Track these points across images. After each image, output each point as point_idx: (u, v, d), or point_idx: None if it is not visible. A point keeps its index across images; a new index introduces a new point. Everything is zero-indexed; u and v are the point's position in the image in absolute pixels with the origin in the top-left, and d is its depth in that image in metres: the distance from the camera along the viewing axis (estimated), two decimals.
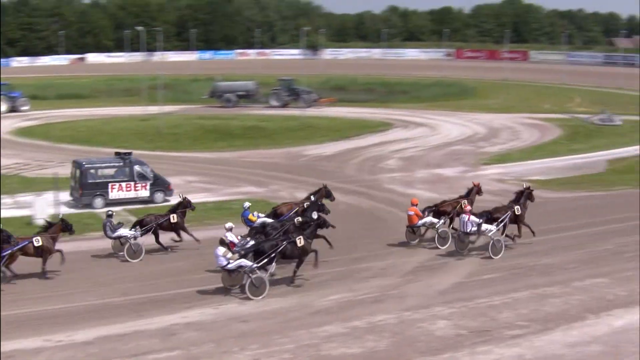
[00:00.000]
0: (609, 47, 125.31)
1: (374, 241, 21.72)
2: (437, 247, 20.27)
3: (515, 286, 17.58)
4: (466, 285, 17.82)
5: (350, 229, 22.72)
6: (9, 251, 17.40)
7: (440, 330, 14.82)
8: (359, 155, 36.63)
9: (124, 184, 26.32)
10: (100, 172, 26.26)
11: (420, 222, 20.53)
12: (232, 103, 55.62)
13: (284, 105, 55.50)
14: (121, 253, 19.75)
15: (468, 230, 19.47)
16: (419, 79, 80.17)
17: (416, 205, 20.75)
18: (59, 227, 18.49)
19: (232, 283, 16.90)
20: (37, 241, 17.81)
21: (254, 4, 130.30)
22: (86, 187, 25.95)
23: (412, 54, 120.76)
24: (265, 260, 16.57)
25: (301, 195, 25.00)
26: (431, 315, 15.64)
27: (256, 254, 16.65)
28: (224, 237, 17.33)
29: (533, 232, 20.77)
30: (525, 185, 21.72)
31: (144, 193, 26.68)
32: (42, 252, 17.86)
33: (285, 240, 17.00)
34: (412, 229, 20.71)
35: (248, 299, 16.25)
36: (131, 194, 26.47)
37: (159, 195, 26.94)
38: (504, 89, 73.78)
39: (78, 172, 26.23)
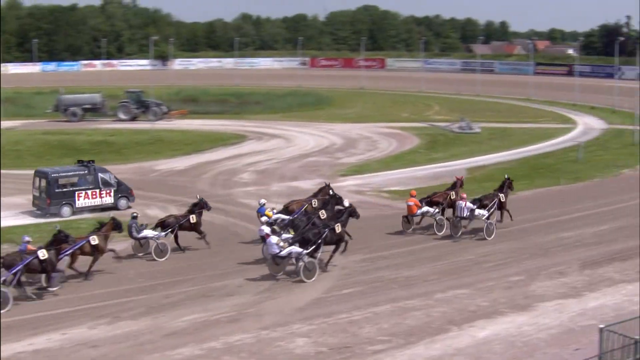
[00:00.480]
0: (467, 53, 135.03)
1: (229, 258, 22.24)
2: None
3: (376, 300, 18.30)
4: (325, 300, 18.40)
5: (204, 245, 23.26)
6: (70, 250, 19.90)
7: (299, 348, 15.11)
8: (212, 169, 37.33)
9: (89, 192, 28.62)
10: (66, 180, 28.27)
11: (419, 211, 24.77)
12: (77, 117, 56.22)
13: (133, 119, 56.61)
14: (140, 254, 22.36)
15: (465, 215, 23.97)
16: (273, 89, 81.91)
17: (415, 196, 24.98)
18: (110, 226, 21.17)
19: (278, 270, 20.06)
20: (94, 240, 20.41)
21: (99, 12, 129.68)
22: (54, 196, 27.82)
23: (265, 63, 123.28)
24: (314, 246, 20.13)
25: (152, 212, 27.78)
26: (290, 333, 15.98)
27: (302, 241, 20.07)
28: (267, 232, 20.52)
29: (511, 217, 25.42)
30: (506, 176, 26.67)
31: (109, 200, 29.12)
32: (97, 251, 20.37)
33: (326, 228, 20.54)
34: (408, 218, 24.78)
35: (98, 324, 16.76)
36: (97, 202, 28.86)
37: (122, 202, 29.39)
38: (360, 98, 77.14)
39: (44, 181, 28.03)
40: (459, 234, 24.25)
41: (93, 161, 29.72)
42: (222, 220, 26.92)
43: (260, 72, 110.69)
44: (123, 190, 29.46)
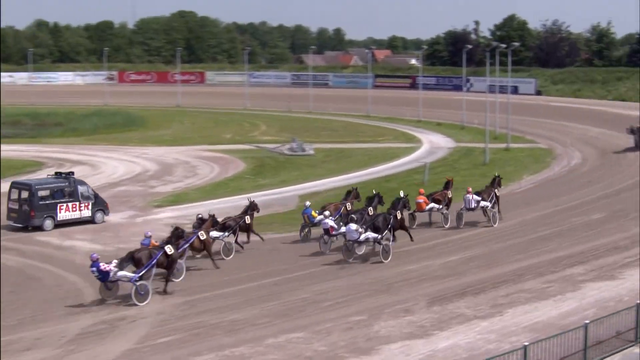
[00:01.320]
0: (298, 65, 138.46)
1: (26, 305, 21.97)
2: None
3: (197, 349, 18.32)
4: (138, 352, 18.26)
5: None
6: (186, 245, 24.54)
7: None
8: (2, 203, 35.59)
9: (70, 205, 32.07)
10: (48, 192, 31.67)
11: (427, 207, 32.28)
12: None
13: None
14: (198, 255, 26.31)
15: (472, 206, 32.01)
16: (75, 108, 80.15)
17: (423, 194, 32.52)
18: (211, 222, 26.60)
19: (351, 256, 26.68)
20: (202, 235, 25.26)
21: None
22: (38, 208, 31.15)
23: (66, 78, 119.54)
24: (386, 232, 27.14)
25: None
26: None
27: (373, 228, 26.82)
28: (331, 225, 27.76)
29: (500, 214, 32.68)
30: (496, 174, 35.20)
31: (87, 213, 32.68)
32: (205, 246, 25.37)
33: (391, 215, 27.60)
34: (414, 215, 31.94)
35: None
36: (76, 215, 32.35)
37: (99, 215, 33.03)
38: (177, 118, 77.34)
39: (26, 193, 31.33)
40: (462, 224, 31.87)
41: (72, 173, 33.53)
42: (16, 262, 26.54)
43: (59, 89, 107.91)
44: (100, 203, 33.15)
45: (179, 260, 24.02)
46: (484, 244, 28.79)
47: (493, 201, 32.78)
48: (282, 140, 59.47)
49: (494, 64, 63.52)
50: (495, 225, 31.79)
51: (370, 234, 26.78)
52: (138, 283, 22.03)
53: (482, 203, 32.35)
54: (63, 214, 31.86)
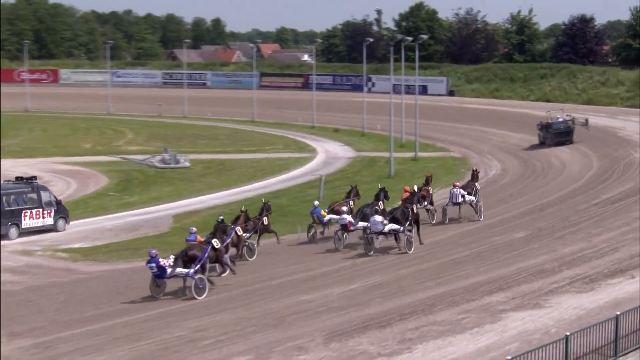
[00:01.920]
0: (170, 62, 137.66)
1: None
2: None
3: None
4: None
5: None
6: (228, 240, 28.95)
7: None
8: None
9: (34, 212, 34.96)
10: (14, 199, 34.11)
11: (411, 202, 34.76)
12: None
13: None
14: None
15: (459, 201, 37.20)
16: None
17: (409, 191, 35.72)
18: (244, 218, 31.68)
19: (371, 249, 31.36)
20: (239, 231, 30.29)
21: None
22: (3, 215, 33.50)
23: None
24: (407, 223, 31.61)
25: None
26: None
27: (393, 220, 31.36)
28: (350, 220, 32.51)
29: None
30: (474, 167, 42.20)
31: (49, 221, 35.79)
32: (240, 242, 30.41)
33: (408, 208, 32.01)
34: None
35: None
36: (39, 222, 35.35)
37: (61, 223, 36.12)
38: (25, 124, 76.03)
39: None
40: (447, 220, 36.83)
41: (35, 177, 36.56)
42: None
43: None
44: (62, 211, 36.08)
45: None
46: (389, 269, 29.06)
47: (478, 194, 38.53)
48: (152, 150, 59.25)
49: (399, 60, 64.78)
50: (481, 219, 37.21)
51: (393, 225, 31.46)
52: (197, 277, 25.83)
53: (468, 197, 37.57)
54: (27, 222, 34.89)
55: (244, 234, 31.37)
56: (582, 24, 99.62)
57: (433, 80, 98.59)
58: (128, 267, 31.05)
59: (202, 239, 27.83)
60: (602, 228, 33.51)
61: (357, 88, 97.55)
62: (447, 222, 36.95)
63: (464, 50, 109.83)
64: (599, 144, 59.61)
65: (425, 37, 70.86)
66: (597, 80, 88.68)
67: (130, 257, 31.98)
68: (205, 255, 26.45)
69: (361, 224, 32.62)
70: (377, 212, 32.77)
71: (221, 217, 30.43)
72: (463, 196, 37.48)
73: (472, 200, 37.85)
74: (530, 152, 59.44)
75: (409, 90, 71.09)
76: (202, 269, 26.33)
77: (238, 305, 25.06)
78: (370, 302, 24.88)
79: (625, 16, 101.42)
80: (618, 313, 18.37)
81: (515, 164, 55.14)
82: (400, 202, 35.17)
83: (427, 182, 38.96)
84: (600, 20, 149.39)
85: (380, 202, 34.89)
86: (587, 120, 63.30)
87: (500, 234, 34.16)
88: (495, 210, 39.68)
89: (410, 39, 64.01)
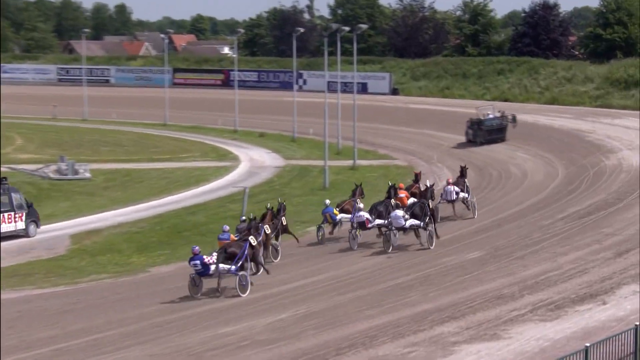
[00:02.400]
0: (67, 55, 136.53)
1: None
2: None
3: None
4: None
5: None
6: (260, 238, 32.19)
7: None
8: None
9: (6, 215, 37.25)
10: None
11: (409, 201, 39.09)
12: None
13: None
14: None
15: (453, 198, 41.32)
16: None
17: (403, 188, 41.06)
18: (270, 216, 34.91)
19: (389, 247, 35.15)
20: (267, 229, 33.66)
21: None
22: None
23: None
24: (427, 218, 35.99)
25: None
26: None
27: (412, 215, 35.68)
28: (367, 217, 36.58)
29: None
30: (463, 164, 46.04)
31: (21, 225, 38.16)
32: (268, 241, 33.97)
33: (424, 204, 36.26)
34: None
35: None
36: (11, 227, 37.60)
37: (32, 228, 38.65)
38: None
39: None
40: (439, 218, 39.99)
41: (5, 178, 38.52)
42: None
43: None
44: (33, 214, 38.45)
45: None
46: (324, 296, 29.05)
47: (470, 191, 42.83)
48: (45, 159, 58.75)
49: (334, 53, 65.04)
50: (475, 217, 41.34)
51: (414, 221, 35.57)
52: (240, 273, 29.37)
53: (462, 194, 41.64)
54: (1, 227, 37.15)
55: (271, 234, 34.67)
56: (545, 11, 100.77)
57: (374, 77, 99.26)
58: (17, 296, 30.62)
59: (235, 238, 31.86)
60: (568, 246, 33.94)
61: (286, 86, 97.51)
62: (439, 220, 39.62)
63: (409, 42, 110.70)
64: (565, 149, 60.66)
65: (364, 26, 71.02)
66: (562, 77, 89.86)
67: (20, 285, 31.41)
68: (245, 253, 30.04)
69: (378, 221, 36.78)
70: (398, 207, 36.49)
71: (252, 214, 34.88)
72: (457, 193, 41.44)
73: (466, 197, 42.03)
74: (486, 160, 60.18)
75: (347, 88, 71.52)
76: (241, 267, 29.85)
77: (149, 340, 24.82)
78: (302, 334, 24.83)
79: (593, 2, 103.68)
80: (587, 345, 18.53)
81: (469, 173, 55.64)
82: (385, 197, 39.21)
83: (417, 179, 43.13)
84: (565, 7, 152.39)
85: (392, 200, 38.22)
86: (514, 116, 66.72)
87: (451, 254, 34.40)
88: (445, 227, 40.04)
89: (347, 29, 64.42)
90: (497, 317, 25.38)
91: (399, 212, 35.55)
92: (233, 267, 29.47)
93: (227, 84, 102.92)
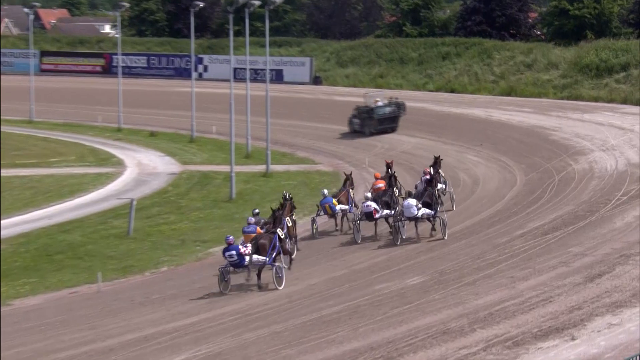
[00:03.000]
0: None
1: None
2: None
3: None
4: None
5: None
6: (285, 230, 37.57)
7: None
8: None
9: None
10: None
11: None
12: None
13: None
14: None
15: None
16: None
17: (379, 178, 46.38)
18: (290, 207, 40.02)
19: (398, 239, 40.48)
20: (289, 221, 38.75)
21: None
22: None
23: None
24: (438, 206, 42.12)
25: None
26: None
27: (424, 205, 40.93)
28: (375, 207, 41.78)
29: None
30: (437, 155, 49.60)
31: None
32: (290, 231, 38.83)
33: (433, 192, 42.00)
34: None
35: None
36: None
37: None
38: None
39: None
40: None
41: None
42: None
43: None
44: None
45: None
46: (230, 332, 29.07)
47: (446, 182, 47.81)
48: None
49: (241, 33, 64.87)
50: (454, 210, 46.82)
51: (427, 210, 40.64)
52: (276, 264, 34.57)
53: (440, 186, 45.53)
54: None
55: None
56: None
57: (291, 63, 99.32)
58: None
59: (261, 231, 36.63)
60: (529, 270, 34.25)
61: (183, 73, 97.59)
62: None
63: (334, 19, 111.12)
64: (525, 151, 61.36)
65: (278, 1, 71.07)
66: (521, 62, 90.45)
67: None
68: (277, 244, 35.16)
69: (386, 211, 41.97)
70: (410, 196, 41.34)
71: (275, 207, 38.64)
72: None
73: (443, 189, 46.63)
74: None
75: (257, 76, 71.52)
76: (275, 259, 35.01)
77: None
78: None
79: None
80: None
81: (407, 179, 55.85)
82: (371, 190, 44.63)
83: (389, 168, 47.29)
84: None
85: (395, 189, 44.32)
86: (403, 104, 71.84)
87: (386, 280, 34.58)
88: (378, 247, 40.26)
89: (258, 2, 64.22)
90: (442, 356, 25.56)
91: (412, 201, 40.37)
92: (265, 259, 34.38)
93: (108, 71, 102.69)
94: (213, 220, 47.21)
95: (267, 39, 65.48)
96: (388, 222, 42.50)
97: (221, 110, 66.74)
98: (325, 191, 45.37)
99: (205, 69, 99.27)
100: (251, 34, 63.81)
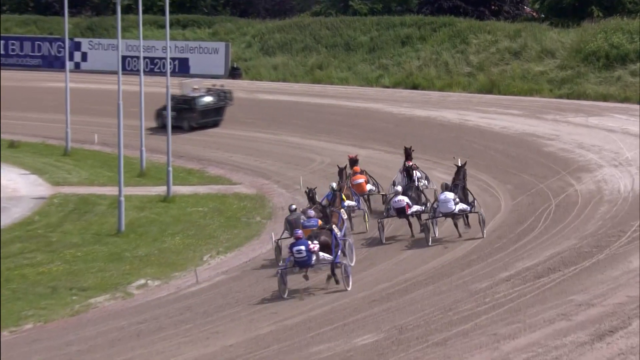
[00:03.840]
0: None
1: None
2: None
3: None
4: None
5: None
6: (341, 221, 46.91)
7: None
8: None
9: None
10: None
11: (368, 187, 55.80)
12: None
13: None
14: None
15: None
16: None
17: (360, 172, 56.19)
18: (339, 199, 49.15)
19: (431, 238, 48.36)
20: (344, 214, 47.91)
21: None
22: None
23: None
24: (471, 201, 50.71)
25: None
26: None
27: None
28: (407, 202, 48.99)
29: None
30: (408, 146, 57.66)
31: None
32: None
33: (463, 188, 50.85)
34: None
35: None
36: None
37: None
38: None
39: None
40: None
41: None
42: None
43: None
44: None
45: None
46: None
47: (427, 177, 55.87)
48: None
49: (132, 9, 64.71)
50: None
51: (463, 205, 47.66)
52: (344, 262, 40.63)
53: (422, 182, 54.10)
54: None
55: None
56: None
57: (200, 49, 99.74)
58: None
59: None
60: (518, 325, 34.43)
61: (54, 63, 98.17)
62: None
63: None
64: (512, 167, 61.85)
65: None
66: (506, 49, 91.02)
67: None
68: (339, 242, 41.47)
69: (416, 207, 49.00)
70: (447, 188, 47.94)
71: (323, 201, 47.86)
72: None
73: (426, 185, 54.39)
74: (385, 184, 60.74)
75: (155, 67, 71.31)
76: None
77: None
78: None
79: None
80: None
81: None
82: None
83: (353, 164, 55.94)
84: None
85: (420, 183, 52.76)
86: (230, 92, 77.20)
87: (329, 340, 34.66)
88: (318, 295, 40.43)
89: None
90: None
91: (449, 195, 47.13)
92: (331, 257, 40.22)
93: None
94: (95, 261, 47.07)
95: (167, 16, 65.40)
96: (414, 220, 49.34)
97: (106, 113, 66.80)
98: (334, 184, 51.82)
99: (84, 57, 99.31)
100: (146, 11, 64.07)
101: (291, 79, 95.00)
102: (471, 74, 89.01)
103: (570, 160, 61.75)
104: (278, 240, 46.61)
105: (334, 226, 42.85)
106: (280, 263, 43.22)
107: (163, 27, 67.26)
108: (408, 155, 56.46)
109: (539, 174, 59.32)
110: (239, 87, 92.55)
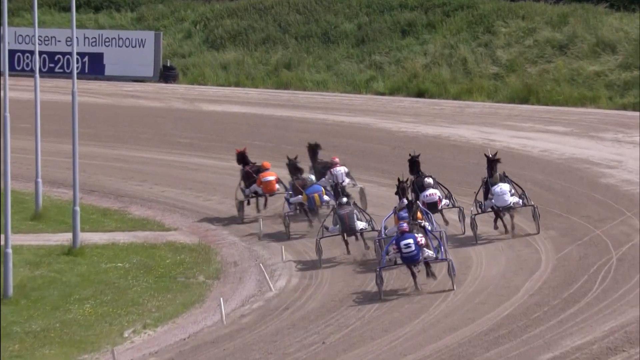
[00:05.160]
0: None
1: None
2: None
3: None
4: None
5: None
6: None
7: None
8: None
9: None
10: None
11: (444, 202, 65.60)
12: None
13: None
14: None
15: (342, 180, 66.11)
16: None
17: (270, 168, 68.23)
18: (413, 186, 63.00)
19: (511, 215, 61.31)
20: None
21: None
22: None
23: None
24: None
25: None
26: None
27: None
28: (439, 196, 60.78)
29: None
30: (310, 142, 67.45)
31: None
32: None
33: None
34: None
35: None
36: None
37: None
38: None
39: None
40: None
41: None
42: None
43: None
44: None
45: None
46: None
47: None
48: None
49: None
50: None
51: (515, 198, 56.21)
52: (449, 258, 48.10)
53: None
54: None
55: None
56: None
57: (120, 41, 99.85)
58: None
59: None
60: None
61: None
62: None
63: None
64: (556, 204, 61.88)
65: None
66: (548, 41, 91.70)
67: None
68: (435, 235, 50.21)
69: (445, 201, 58.78)
70: (502, 180, 56.20)
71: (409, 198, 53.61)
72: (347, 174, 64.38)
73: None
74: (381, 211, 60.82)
75: (56, 67, 71.52)
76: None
77: None
78: None
79: None
80: None
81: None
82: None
83: (314, 151, 65.40)
84: None
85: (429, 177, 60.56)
86: None
87: None
88: None
89: None
90: None
91: (505, 186, 55.92)
92: (442, 253, 48.49)
93: None
94: None
95: (74, 3, 65.65)
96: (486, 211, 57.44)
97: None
98: (312, 177, 61.11)
99: None
100: None
101: (247, 83, 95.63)
102: (499, 75, 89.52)
103: (634, 195, 61.82)
104: (321, 238, 54.08)
105: (425, 223, 50.37)
106: (384, 259, 49.05)
107: (67, 9, 67.28)
108: (313, 151, 65.37)
109: (594, 215, 59.53)
110: (174, 94, 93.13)
